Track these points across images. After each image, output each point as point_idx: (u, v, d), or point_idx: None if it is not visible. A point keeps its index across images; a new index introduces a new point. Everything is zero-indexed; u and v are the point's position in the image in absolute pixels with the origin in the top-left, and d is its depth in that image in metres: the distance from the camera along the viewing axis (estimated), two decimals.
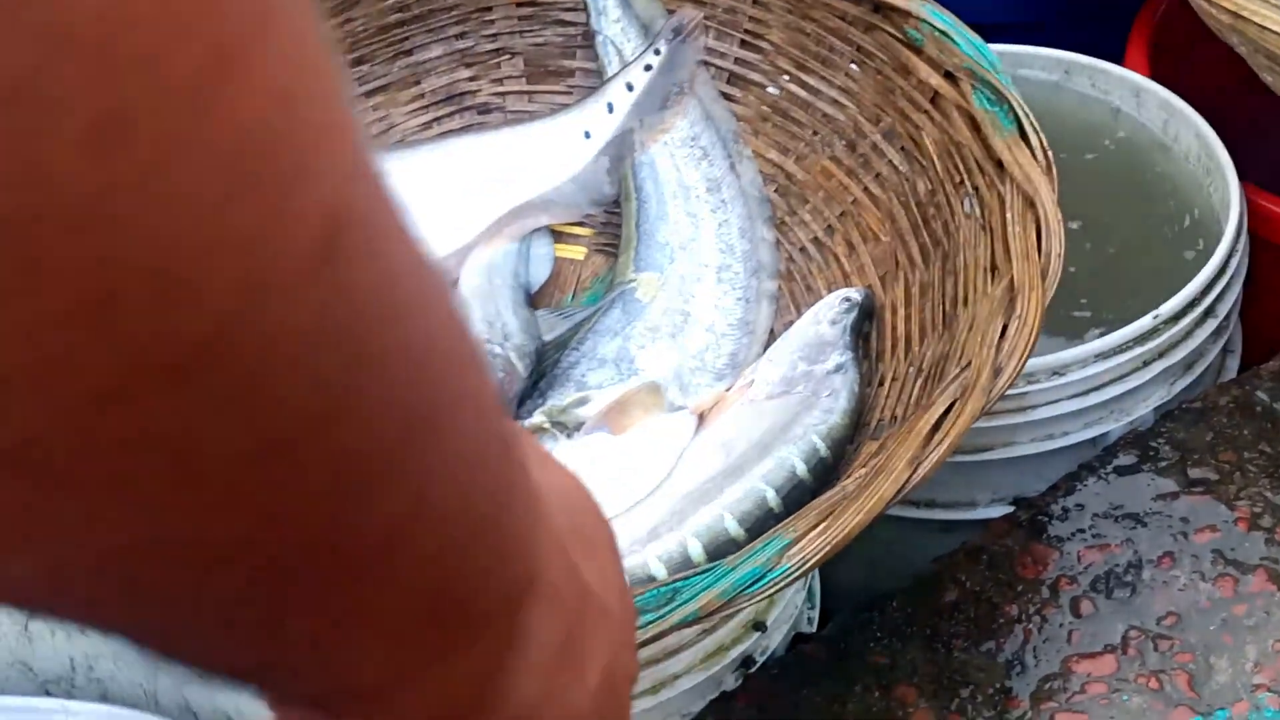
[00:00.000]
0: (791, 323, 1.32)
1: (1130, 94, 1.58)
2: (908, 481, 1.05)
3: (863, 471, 1.08)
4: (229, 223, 0.30)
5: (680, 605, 1.02)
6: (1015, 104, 1.25)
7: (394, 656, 0.41)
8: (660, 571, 1.12)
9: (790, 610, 1.30)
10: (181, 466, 0.32)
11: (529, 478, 0.45)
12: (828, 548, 1.03)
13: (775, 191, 1.45)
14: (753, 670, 1.24)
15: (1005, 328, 1.11)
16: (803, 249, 1.42)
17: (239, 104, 0.29)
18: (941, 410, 1.07)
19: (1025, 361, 1.09)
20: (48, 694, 1.03)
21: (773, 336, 1.35)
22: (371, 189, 0.34)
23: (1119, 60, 1.62)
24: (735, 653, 1.23)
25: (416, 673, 0.42)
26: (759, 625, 1.24)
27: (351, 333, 0.33)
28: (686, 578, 1.03)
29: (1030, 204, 1.19)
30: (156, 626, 0.37)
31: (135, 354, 0.30)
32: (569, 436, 1.22)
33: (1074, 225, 1.49)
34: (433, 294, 0.37)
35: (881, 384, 1.26)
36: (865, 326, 1.30)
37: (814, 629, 1.34)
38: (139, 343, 0.30)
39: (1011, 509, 1.31)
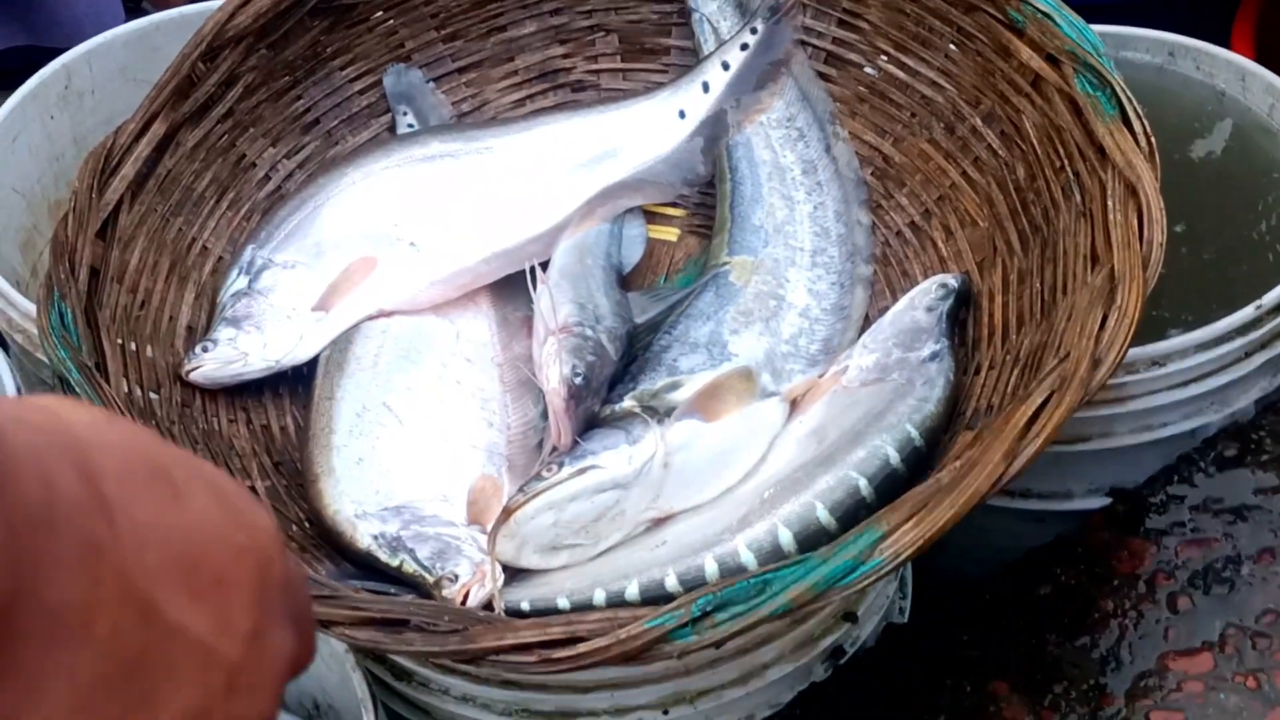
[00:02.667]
0: (887, 308, 1.30)
1: (1236, 77, 1.55)
2: (1003, 476, 1.03)
3: (957, 464, 1.06)
4: None
5: (771, 597, 1.01)
6: (1118, 88, 1.22)
7: None
8: (750, 561, 1.11)
9: (881, 600, 1.28)
10: None
11: None
12: (920, 541, 1.01)
13: (872, 174, 1.44)
14: (842, 661, 1.22)
15: (1105, 318, 1.09)
16: (899, 233, 1.40)
17: None
18: (1038, 402, 1.06)
19: (1124, 354, 1.07)
20: None
21: (868, 322, 1.33)
22: None
23: (1224, 43, 1.58)
24: (825, 643, 1.22)
25: None
26: (850, 616, 1.23)
27: None
28: (777, 569, 1.02)
29: (1132, 191, 1.16)
30: None
31: None
32: (659, 422, 1.20)
33: (1177, 229, 1.46)
34: None
35: (978, 372, 1.24)
36: (962, 313, 1.28)
37: (905, 619, 1.32)
38: None
39: (1108, 500, 1.29)
